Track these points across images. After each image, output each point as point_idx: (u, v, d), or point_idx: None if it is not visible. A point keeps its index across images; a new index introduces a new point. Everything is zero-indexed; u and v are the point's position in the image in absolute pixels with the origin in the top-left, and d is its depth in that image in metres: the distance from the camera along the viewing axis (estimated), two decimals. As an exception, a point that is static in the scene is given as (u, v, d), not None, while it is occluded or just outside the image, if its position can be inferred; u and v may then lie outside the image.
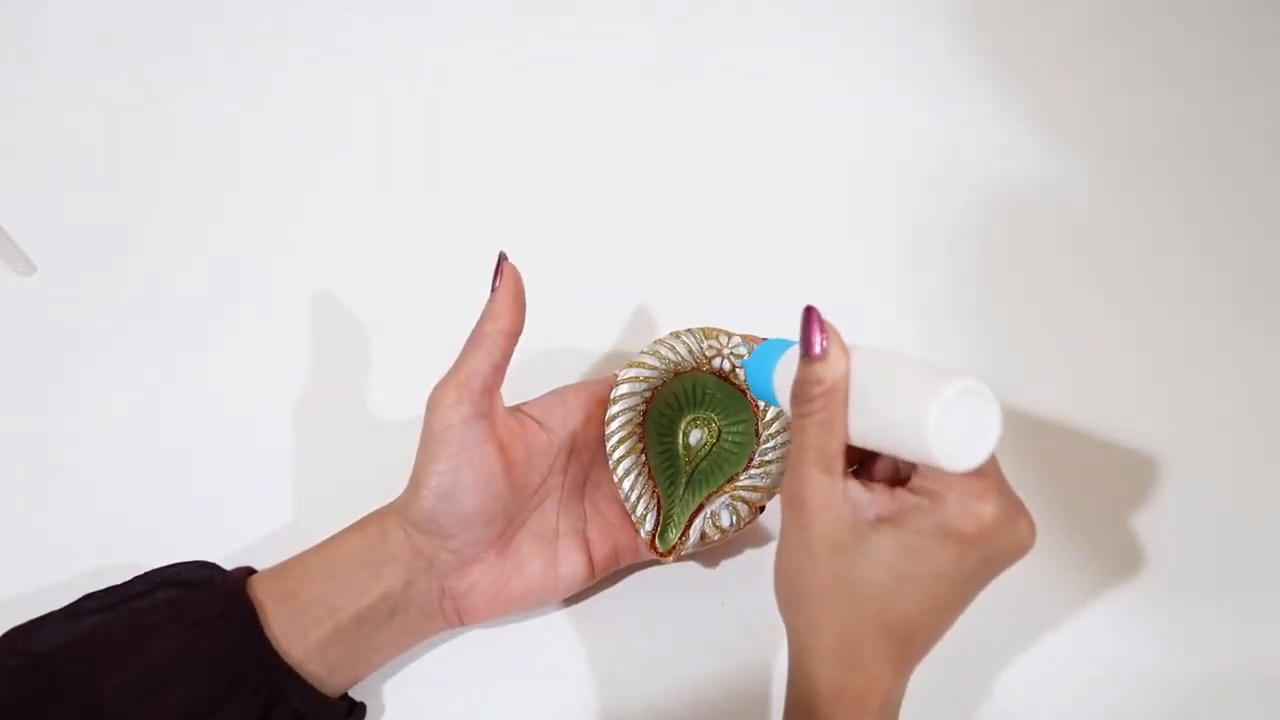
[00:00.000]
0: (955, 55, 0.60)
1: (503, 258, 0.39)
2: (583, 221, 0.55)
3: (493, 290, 0.38)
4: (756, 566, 0.45)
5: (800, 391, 0.33)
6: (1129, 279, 0.53)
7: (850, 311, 0.50)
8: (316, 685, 0.38)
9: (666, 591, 0.44)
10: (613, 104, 0.59)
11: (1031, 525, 0.32)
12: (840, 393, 0.32)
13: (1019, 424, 0.49)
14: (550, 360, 0.50)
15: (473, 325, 0.39)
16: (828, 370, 0.32)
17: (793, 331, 0.34)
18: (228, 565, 0.41)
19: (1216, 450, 0.48)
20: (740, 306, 0.48)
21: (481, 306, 0.39)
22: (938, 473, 0.31)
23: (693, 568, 0.45)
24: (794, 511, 0.33)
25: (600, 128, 0.59)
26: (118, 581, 0.40)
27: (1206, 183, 0.56)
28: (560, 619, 0.44)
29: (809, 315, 0.33)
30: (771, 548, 0.45)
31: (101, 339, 0.52)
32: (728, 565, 0.45)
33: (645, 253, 0.54)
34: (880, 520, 0.32)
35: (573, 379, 0.44)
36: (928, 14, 0.62)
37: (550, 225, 0.55)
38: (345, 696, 0.40)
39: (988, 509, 0.31)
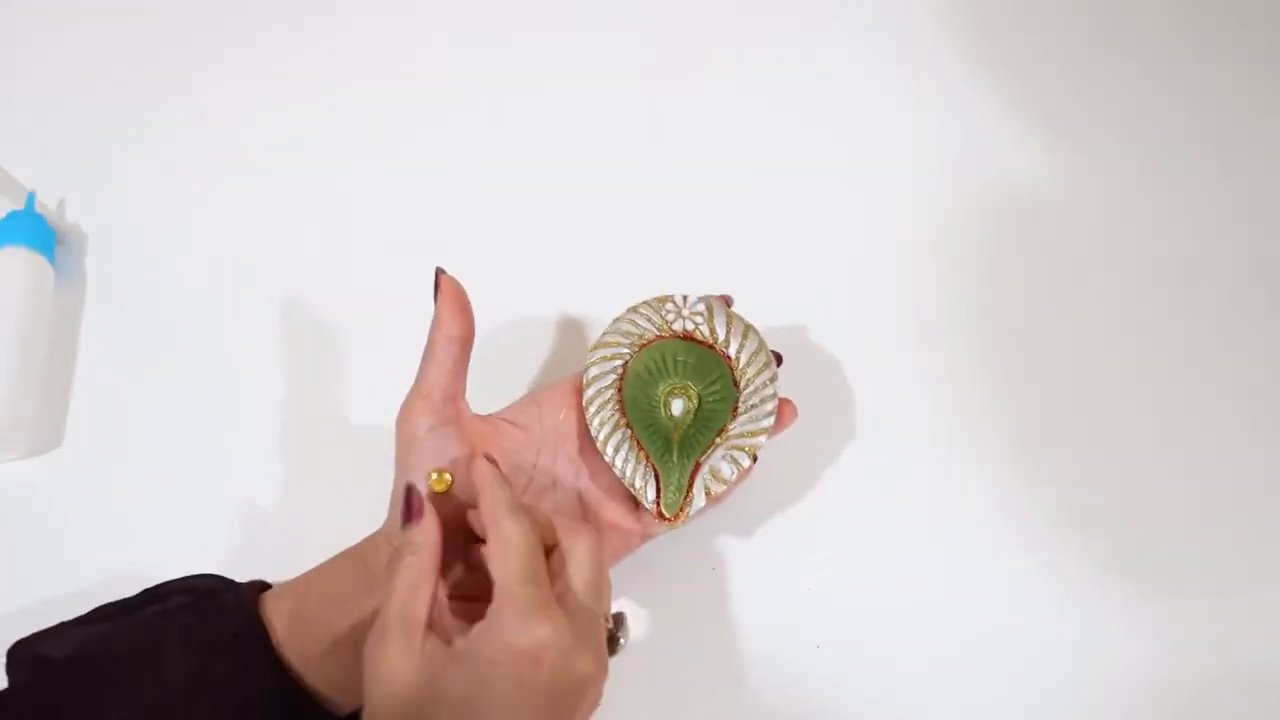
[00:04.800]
0: (957, 57, 0.60)
1: (439, 273, 0.39)
2: (571, 222, 0.54)
3: (435, 303, 0.39)
4: (746, 524, 0.46)
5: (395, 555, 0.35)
6: (1131, 279, 0.53)
7: (852, 315, 0.51)
8: (325, 704, 0.37)
9: (658, 559, 0.44)
10: (601, 104, 0.58)
11: (597, 660, 0.33)
12: (433, 554, 0.35)
13: (1019, 423, 0.49)
14: (523, 370, 0.49)
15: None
16: (421, 534, 0.35)
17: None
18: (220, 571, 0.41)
19: (1218, 449, 0.48)
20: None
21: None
22: (501, 588, 0.33)
23: (683, 535, 0.44)
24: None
25: (589, 130, 0.57)
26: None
27: (1209, 185, 0.56)
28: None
29: (408, 494, 0.36)
30: (759, 504, 0.46)
31: (88, 340, 0.51)
32: (718, 528, 0.45)
33: (637, 257, 0.53)
34: (455, 656, 0.33)
35: (535, 378, 0.44)
36: (929, 16, 0.61)
37: (538, 232, 0.53)
38: (356, 714, 0.38)
39: (545, 629, 0.32)
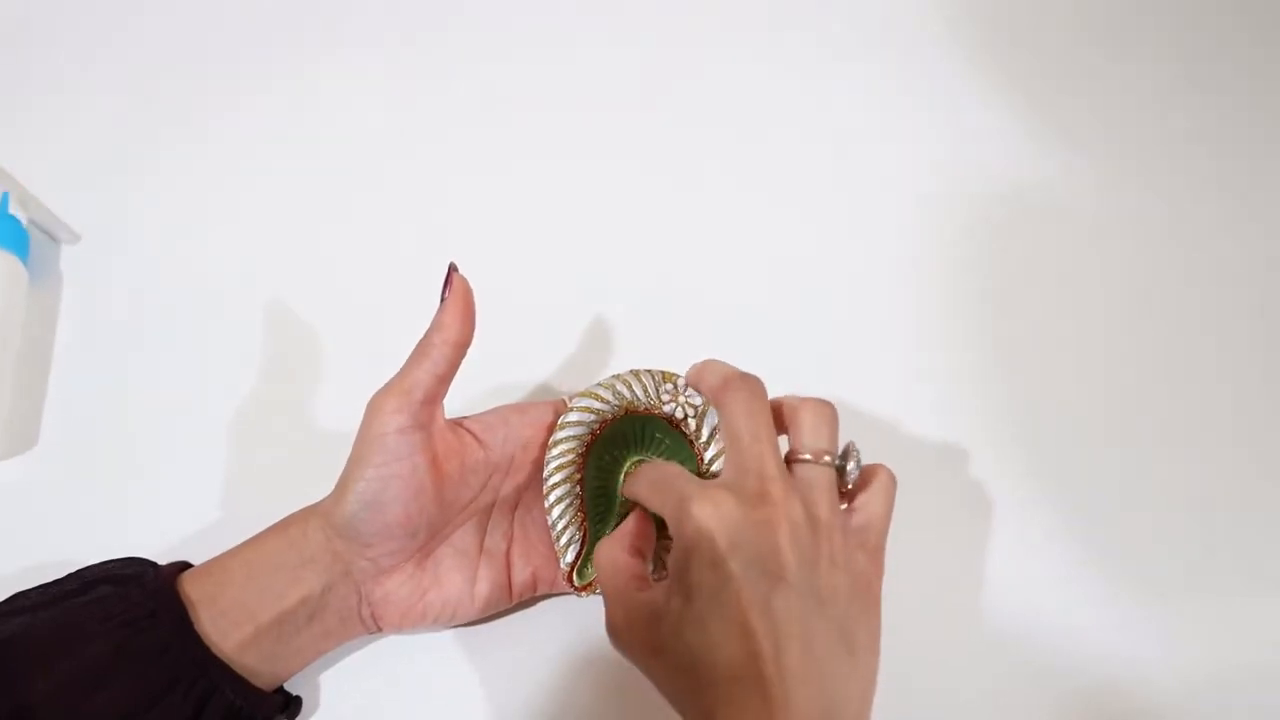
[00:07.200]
0: (953, 60, 0.60)
1: (453, 269, 0.38)
2: (551, 235, 0.54)
3: (441, 301, 0.38)
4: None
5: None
6: (1131, 282, 0.53)
7: (850, 321, 0.51)
8: (250, 679, 0.37)
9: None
10: (592, 116, 0.58)
11: (702, 507, 0.34)
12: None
13: (1021, 426, 0.49)
14: (499, 377, 0.49)
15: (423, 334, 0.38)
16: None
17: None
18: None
19: (1219, 448, 0.49)
20: (730, 327, 0.49)
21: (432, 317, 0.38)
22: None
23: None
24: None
25: (580, 140, 0.57)
26: (50, 579, 0.39)
27: (1208, 186, 0.56)
28: (503, 620, 0.43)
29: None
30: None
31: (63, 340, 0.50)
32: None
33: (617, 268, 0.53)
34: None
35: (519, 396, 0.43)
36: (925, 19, 0.61)
37: (518, 239, 0.53)
38: (280, 690, 0.39)
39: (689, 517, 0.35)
